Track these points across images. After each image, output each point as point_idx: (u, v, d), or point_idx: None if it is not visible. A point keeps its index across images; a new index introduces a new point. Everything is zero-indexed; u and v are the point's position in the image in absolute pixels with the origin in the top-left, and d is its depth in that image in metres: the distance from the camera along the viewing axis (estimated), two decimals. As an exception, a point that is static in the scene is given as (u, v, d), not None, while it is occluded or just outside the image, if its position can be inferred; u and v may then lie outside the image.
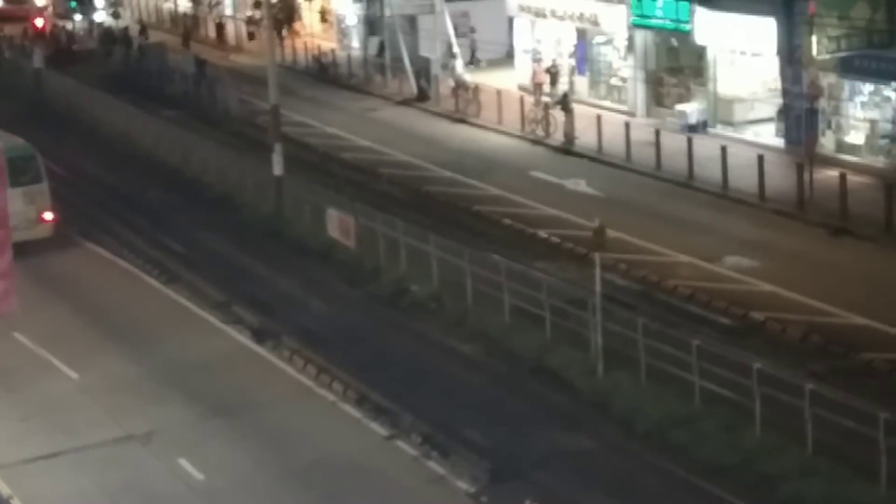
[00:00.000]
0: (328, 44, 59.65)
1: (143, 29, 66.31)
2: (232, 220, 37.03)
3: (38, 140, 37.84)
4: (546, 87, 46.38)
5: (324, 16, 60.97)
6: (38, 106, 53.61)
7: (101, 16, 71.81)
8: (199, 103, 52.23)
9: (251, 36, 62.71)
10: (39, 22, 61.39)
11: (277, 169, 36.63)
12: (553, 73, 46.84)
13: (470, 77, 48.89)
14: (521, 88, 48.36)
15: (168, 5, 72.84)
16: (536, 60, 47.50)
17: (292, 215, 35.67)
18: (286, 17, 58.49)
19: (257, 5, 56.08)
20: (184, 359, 27.78)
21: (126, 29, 67.13)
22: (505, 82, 48.39)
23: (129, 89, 53.85)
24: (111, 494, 22.31)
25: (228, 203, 38.29)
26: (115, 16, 72.06)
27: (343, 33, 60.66)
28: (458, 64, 48.45)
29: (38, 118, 50.11)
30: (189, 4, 70.42)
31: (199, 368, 27.24)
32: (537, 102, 44.84)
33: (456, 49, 50.49)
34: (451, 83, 48.38)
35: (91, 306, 31.40)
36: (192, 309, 30.84)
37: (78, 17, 71.78)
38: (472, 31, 53.13)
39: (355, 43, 58.84)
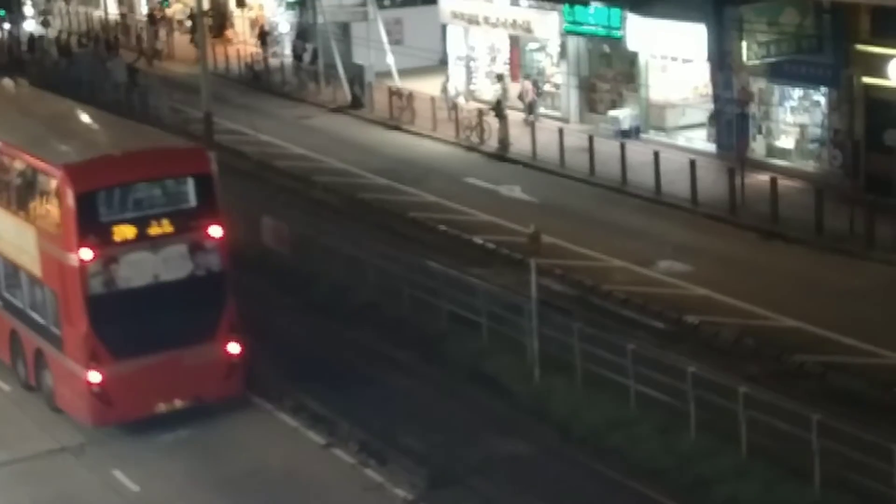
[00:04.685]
0: (261, 51, 59.36)
1: (134, 68, 56.18)
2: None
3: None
4: (530, 99, 44.51)
5: (262, 36, 60.24)
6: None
7: (30, 24, 70.96)
8: (132, 112, 51.76)
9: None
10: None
11: (211, 177, 36.32)
12: (538, 87, 45.50)
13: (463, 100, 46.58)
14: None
15: (98, 13, 72.13)
16: (527, 77, 46.29)
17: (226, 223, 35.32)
18: (217, 24, 58.07)
19: (191, 17, 55.57)
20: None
21: (59, 37, 66.23)
22: (439, 90, 48.37)
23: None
24: (45, 507, 22.10)
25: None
26: (45, 24, 71.28)
27: (276, 41, 60.39)
28: (452, 86, 47.27)
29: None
30: (117, 13, 69.86)
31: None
32: (528, 122, 43.33)
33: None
34: (447, 104, 45.91)
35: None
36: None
37: (6, 25, 70.87)
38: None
39: (287, 51, 58.62)
